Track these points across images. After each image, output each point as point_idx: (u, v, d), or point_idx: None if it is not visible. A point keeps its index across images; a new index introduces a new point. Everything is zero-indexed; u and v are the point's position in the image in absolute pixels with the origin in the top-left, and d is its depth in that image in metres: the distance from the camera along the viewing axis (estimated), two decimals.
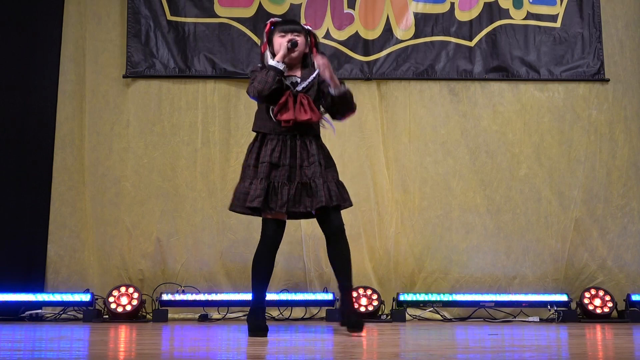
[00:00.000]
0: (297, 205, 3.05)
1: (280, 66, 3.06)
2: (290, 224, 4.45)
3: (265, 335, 3.00)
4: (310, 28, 3.26)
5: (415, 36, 4.76)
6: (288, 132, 3.09)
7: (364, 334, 3.04)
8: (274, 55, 3.16)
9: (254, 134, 3.20)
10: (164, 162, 4.62)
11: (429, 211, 4.62)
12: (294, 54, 3.13)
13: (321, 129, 3.25)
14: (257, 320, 3.09)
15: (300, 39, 3.15)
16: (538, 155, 4.70)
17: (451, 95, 4.75)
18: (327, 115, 3.25)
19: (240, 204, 3.09)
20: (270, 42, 3.21)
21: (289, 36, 3.13)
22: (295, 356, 2.29)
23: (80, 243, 4.53)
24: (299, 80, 3.17)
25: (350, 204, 3.19)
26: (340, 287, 3.18)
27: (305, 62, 3.24)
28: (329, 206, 3.03)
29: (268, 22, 3.26)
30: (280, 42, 3.13)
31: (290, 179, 3.06)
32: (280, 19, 3.35)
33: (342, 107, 3.16)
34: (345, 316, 3.17)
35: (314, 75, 3.17)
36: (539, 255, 4.59)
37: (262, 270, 3.17)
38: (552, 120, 4.74)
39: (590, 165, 4.69)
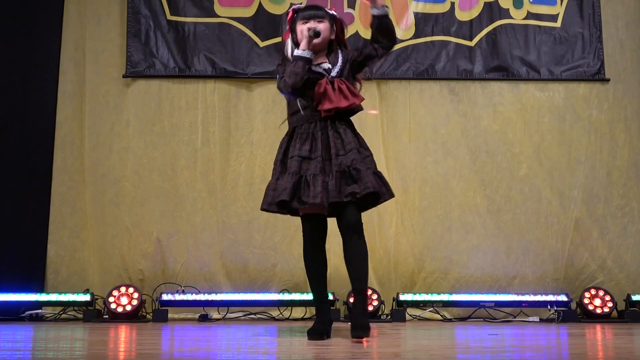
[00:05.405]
0: (340, 195, 2.77)
1: (307, 54, 2.84)
2: (290, 224, 4.51)
3: (317, 338, 2.82)
4: (335, 13, 3.02)
5: (415, 36, 4.75)
6: (320, 122, 2.86)
7: (367, 338, 2.79)
8: (297, 44, 2.95)
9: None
10: (164, 162, 4.62)
11: (429, 211, 4.62)
12: (317, 41, 2.90)
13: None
14: (316, 323, 2.98)
15: (323, 25, 2.94)
16: (538, 155, 4.69)
17: (451, 95, 4.75)
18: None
19: (268, 201, 2.85)
20: (293, 31, 3.00)
21: (312, 23, 2.92)
22: (296, 356, 2.29)
23: (80, 243, 4.53)
24: (329, 66, 2.95)
25: (391, 196, 2.95)
26: (352, 290, 3.04)
27: (330, 48, 3.02)
28: (376, 192, 2.81)
29: (290, 9, 3.02)
30: (302, 29, 2.91)
31: (324, 171, 2.80)
32: (302, 5, 3.07)
33: (383, 34, 2.94)
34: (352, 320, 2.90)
35: (341, 57, 2.97)
36: (539, 255, 4.59)
37: (310, 271, 2.99)
38: (552, 120, 4.74)
39: (591, 165, 4.69)
